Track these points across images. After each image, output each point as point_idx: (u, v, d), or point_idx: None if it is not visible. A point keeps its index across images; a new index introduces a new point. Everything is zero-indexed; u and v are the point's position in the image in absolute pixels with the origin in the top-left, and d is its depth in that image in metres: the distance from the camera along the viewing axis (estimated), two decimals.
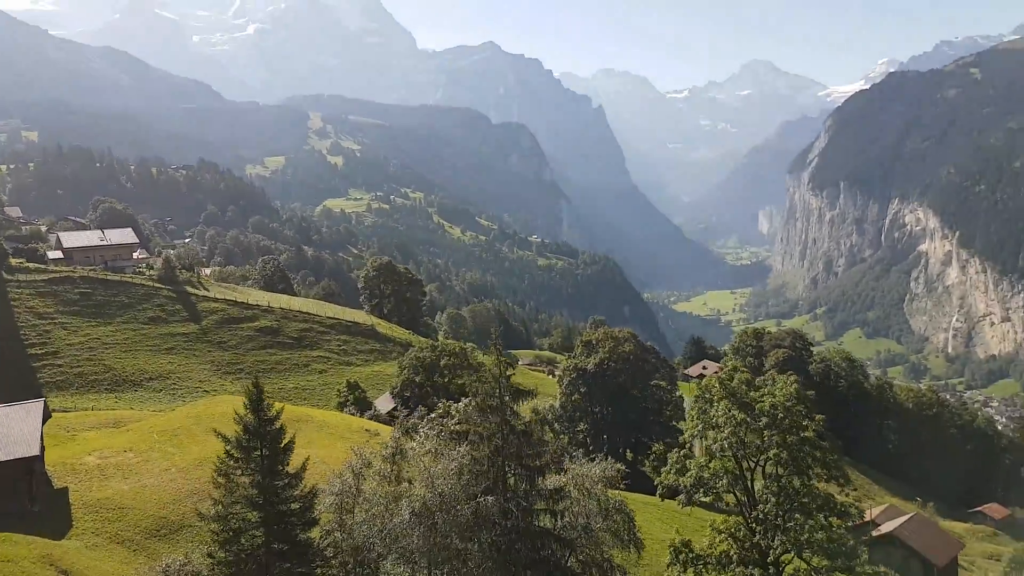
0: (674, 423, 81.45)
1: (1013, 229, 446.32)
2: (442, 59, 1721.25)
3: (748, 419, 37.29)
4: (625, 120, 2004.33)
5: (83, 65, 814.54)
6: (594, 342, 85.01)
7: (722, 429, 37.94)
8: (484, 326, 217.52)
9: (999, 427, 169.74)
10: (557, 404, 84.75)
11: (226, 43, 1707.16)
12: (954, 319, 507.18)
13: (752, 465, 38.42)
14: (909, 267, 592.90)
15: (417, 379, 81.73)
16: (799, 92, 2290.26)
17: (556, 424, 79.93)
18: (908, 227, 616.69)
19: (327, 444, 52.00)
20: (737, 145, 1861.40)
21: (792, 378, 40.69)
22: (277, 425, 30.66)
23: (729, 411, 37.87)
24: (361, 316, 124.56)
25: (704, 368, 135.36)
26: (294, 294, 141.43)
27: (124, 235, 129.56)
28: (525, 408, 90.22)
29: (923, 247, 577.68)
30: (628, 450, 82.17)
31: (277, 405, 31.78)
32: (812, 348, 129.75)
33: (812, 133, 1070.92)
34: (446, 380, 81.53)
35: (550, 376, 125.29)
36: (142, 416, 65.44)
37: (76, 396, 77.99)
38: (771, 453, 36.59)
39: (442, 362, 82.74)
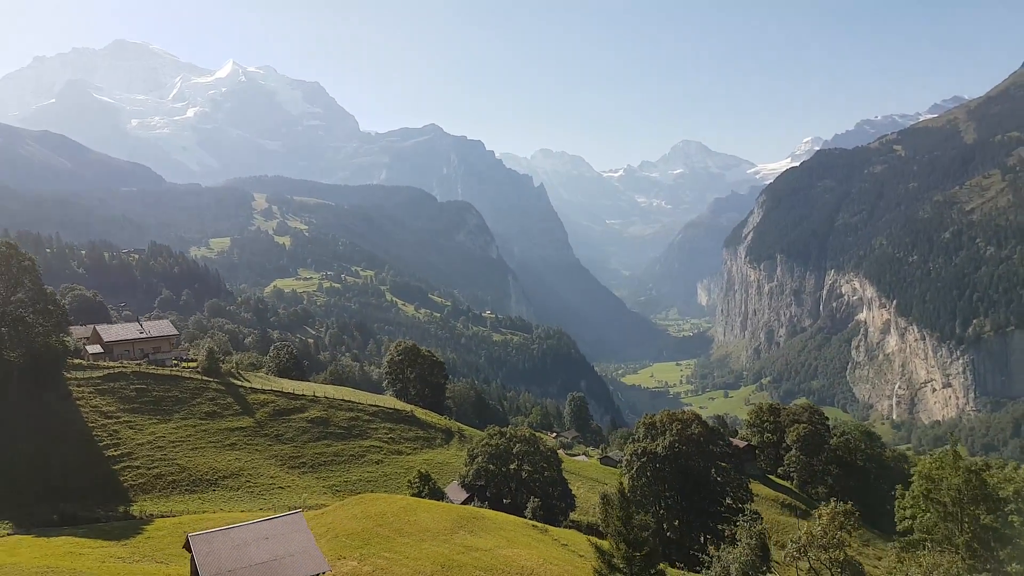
0: (741, 505, 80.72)
1: (948, 297, 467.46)
2: (385, 141, 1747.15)
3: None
4: (564, 198, 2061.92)
5: (20, 149, 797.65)
6: (658, 424, 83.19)
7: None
8: (464, 406, 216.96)
9: None
10: (625, 488, 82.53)
11: (165, 126, 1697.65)
12: (897, 386, 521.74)
13: None
14: (849, 336, 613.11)
15: (491, 467, 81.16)
16: (729, 170, 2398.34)
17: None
18: (845, 297, 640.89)
19: (526, 544, 50.86)
20: (672, 221, 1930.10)
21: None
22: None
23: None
24: (396, 402, 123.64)
25: None
26: (306, 380, 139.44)
27: (162, 327, 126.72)
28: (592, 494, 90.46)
29: (861, 316, 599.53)
30: (704, 535, 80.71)
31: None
32: (828, 422, 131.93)
33: (743, 209, 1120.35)
34: (517, 467, 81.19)
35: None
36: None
37: (160, 499, 74.92)
38: None
39: (515, 449, 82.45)
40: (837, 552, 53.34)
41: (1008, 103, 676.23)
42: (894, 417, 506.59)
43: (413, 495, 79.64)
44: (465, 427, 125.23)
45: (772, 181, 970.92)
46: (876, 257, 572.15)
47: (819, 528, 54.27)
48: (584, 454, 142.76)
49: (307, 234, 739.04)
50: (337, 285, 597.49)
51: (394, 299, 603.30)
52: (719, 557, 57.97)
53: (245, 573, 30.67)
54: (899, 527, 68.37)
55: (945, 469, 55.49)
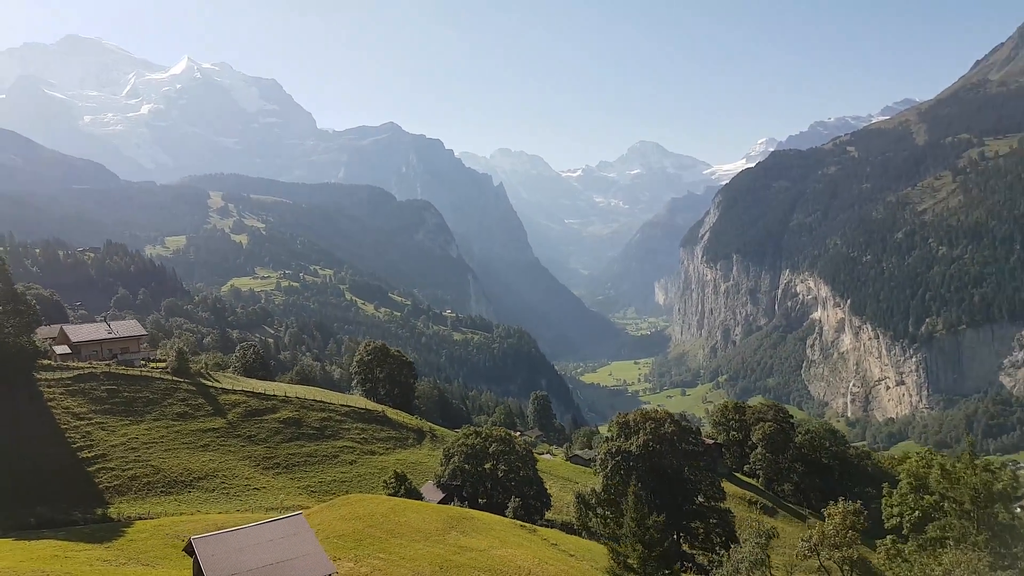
0: (715, 504, 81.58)
1: (901, 296, 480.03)
2: (343, 139, 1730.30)
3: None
4: (523, 197, 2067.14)
5: None
6: (632, 423, 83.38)
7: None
8: (428, 405, 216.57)
9: None
10: (599, 488, 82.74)
11: (119, 123, 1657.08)
12: (851, 384, 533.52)
13: None
14: (804, 334, 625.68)
15: (467, 467, 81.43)
16: (685, 171, 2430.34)
17: (599, 508, 79.79)
18: (800, 296, 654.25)
19: (517, 543, 51.02)
20: (630, 220, 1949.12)
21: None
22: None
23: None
24: (367, 403, 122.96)
25: None
26: (272, 379, 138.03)
27: (131, 327, 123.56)
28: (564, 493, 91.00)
29: (816, 315, 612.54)
30: (679, 534, 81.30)
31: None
32: (792, 420, 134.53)
33: (700, 209, 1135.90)
34: (493, 466, 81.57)
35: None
36: (247, 521, 61.93)
37: (137, 501, 73.47)
38: None
39: (491, 448, 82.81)
40: (849, 551, 54.59)
41: (958, 105, 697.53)
42: (849, 415, 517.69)
43: (389, 495, 79.83)
44: (436, 427, 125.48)
45: (728, 181, 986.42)
46: (830, 257, 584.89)
47: (831, 527, 55.44)
48: (549, 452, 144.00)
49: (264, 232, 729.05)
50: (295, 284, 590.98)
51: (353, 298, 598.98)
52: (728, 556, 58.97)
53: None
54: (887, 524, 70.27)
55: (961, 469, 57.45)
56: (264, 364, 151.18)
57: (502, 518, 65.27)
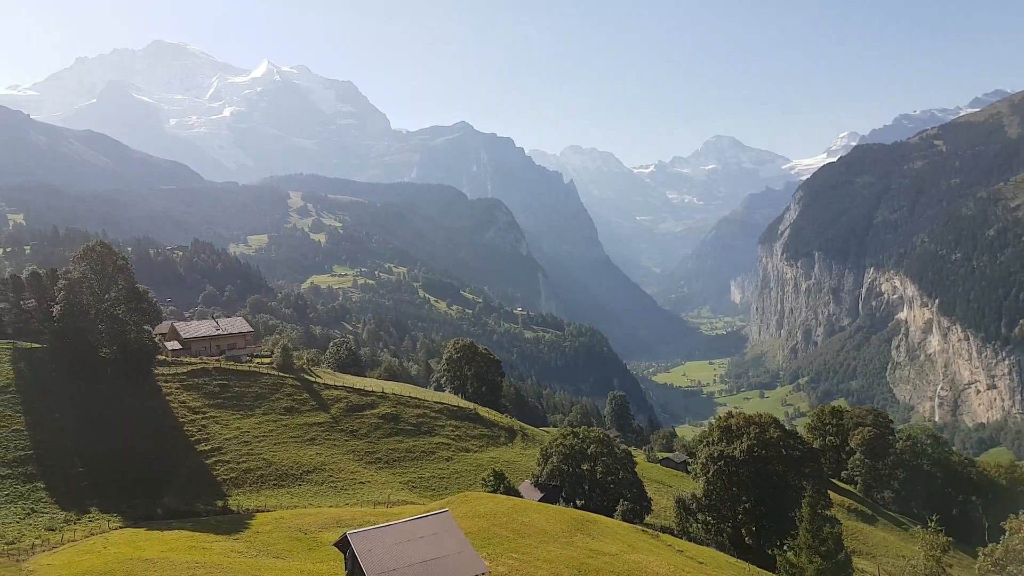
0: (821, 512, 77.32)
1: (993, 296, 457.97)
2: (416, 139, 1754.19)
3: None
4: (594, 194, 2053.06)
5: (64, 148, 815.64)
6: (735, 427, 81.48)
7: None
8: (507, 404, 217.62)
9: None
10: (699, 493, 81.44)
11: (202, 126, 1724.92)
12: (939, 388, 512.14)
13: None
14: (889, 335, 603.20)
15: (565, 467, 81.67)
16: (762, 166, 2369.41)
17: (700, 514, 78.59)
18: (885, 295, 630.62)
19: (647, 549, 50.81)
20: (704, 217, 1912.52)
21: None
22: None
23: None
24: (459, 400, 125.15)
25: None
26: (363, 375, 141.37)
27: (237, 324, 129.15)
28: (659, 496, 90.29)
29: (902, 315, 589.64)
30: (781, 541, 78.79)
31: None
32: (892, 425, 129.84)
33: (778, 205, 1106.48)
34: (591, 467, 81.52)
35: None
36: (363, 515, 64.26)
37: (252, 493, 76.83)
38: None
39: (589, 449, 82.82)
40: None
41: None
42: (936, 419, 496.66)
43: (488, 493, 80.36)
44: (527, 426, 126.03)
45: (809, 177, 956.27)
46: (917, 255, 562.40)
47: (1017, 541, 51.55)
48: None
49: (341, 231, 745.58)
50: (371, 282, 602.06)
51: (427, 296, 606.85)
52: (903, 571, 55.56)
53: (408, 572, 31.14)
54: None
55: None
56: (356, 360, 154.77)
57: (621, 523, 64.81)
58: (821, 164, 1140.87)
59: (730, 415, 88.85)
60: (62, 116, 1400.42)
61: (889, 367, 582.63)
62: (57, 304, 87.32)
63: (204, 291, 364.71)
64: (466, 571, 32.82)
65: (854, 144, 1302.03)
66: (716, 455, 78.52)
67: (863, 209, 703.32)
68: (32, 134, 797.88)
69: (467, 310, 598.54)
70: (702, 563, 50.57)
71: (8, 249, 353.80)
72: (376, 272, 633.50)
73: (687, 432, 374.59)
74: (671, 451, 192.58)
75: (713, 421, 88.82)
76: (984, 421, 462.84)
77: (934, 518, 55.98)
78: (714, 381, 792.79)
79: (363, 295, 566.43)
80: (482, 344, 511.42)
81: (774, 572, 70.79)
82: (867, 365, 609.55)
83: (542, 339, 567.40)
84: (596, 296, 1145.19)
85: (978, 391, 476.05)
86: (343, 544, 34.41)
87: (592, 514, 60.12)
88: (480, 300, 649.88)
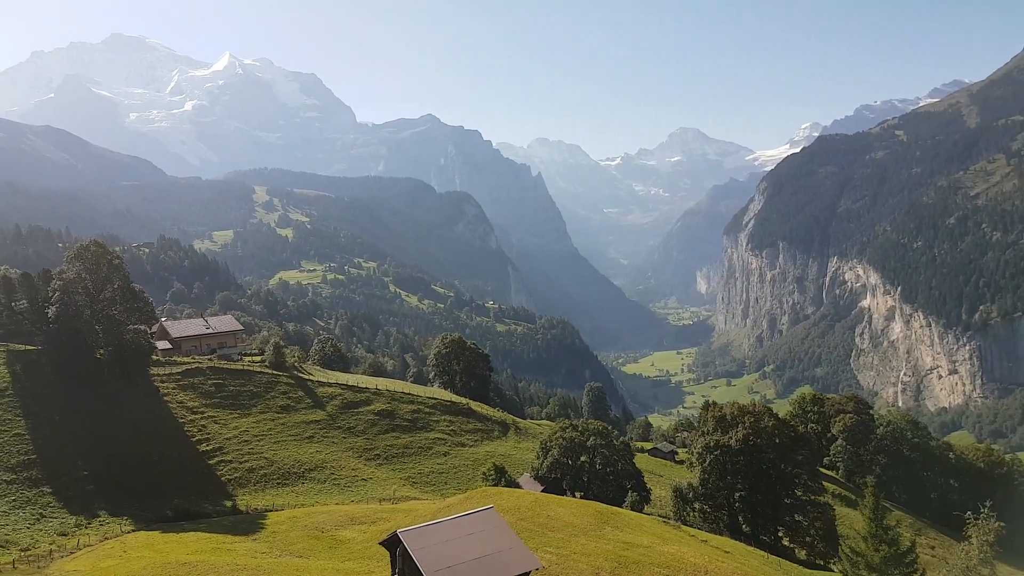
0: (814, 497, 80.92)
1: (954, 283, 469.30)
2: (383, 132, 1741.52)
3: None
4: (561, 187, 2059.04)
5: (22, 144, 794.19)
6: (728, 417, 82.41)
7: None
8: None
9: None
10: (695, 482, 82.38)
11: (164, 120, 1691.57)
12: (902, 373, 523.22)
13: None
14: (853, 323, 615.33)
15: (567, 460, 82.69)
16: (727, 157, 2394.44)
17: (697, 503, 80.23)
18: (849, 284, 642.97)
19: (676, 540, 51.32)
20: (670, 209, 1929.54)
21: None
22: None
23: None
24: (451, 395, 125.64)
25: None
26: (348, 371, 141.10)
27: (227, 322, 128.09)
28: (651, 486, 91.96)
29: (865, 303, 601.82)
30: (776, 527, 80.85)
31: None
32: (872, 412, 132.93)
33: (743, 196, 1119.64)
34: (589, 459, 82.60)
35: None
36: (374, 512, 64.19)
37: (257, 492, 76.50)
38: None
39: (589, 442, 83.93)
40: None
41: (1011, 86, 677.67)
42: (899, 404, 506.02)
43: (489, 487, 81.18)
44: (519, 420, 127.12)
45: (773, 167, 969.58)
46: (880, 243, 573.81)
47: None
48: None
49: (309, 226, 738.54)
50: (341, 277, 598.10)
51: (397, 290, 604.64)
52: (945, 559, 55.73)
53: (464, 569, 31.54)
54: None
55: None
56: (341, 356, 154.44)
57: (642, 515, 66.03)
58: (784, 155, 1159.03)
59: (711, 403, 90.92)
60: (19, 111, 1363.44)
61: (853, 354, 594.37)
62: (52, 305, 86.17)
63: (172, 288, 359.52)
64: (520, 566, 33.01)
65: (816, 135, 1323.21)
66: (712, 444, 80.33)
67: (826, 199, 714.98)
68: None
69: (439, 304, 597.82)
70: (728, 552, 51.89)
71: None
72: (345, 267, 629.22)
73: (658, 421, 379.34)
74: (647, 440, 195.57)
75: (682, 409, 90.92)
76: (946, 406, 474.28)
77: (986, 504, 56.68)
78: (682, 371, 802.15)
79: (333, 290, 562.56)
80: None
81: (774, 557, 73.05)
82: (831, 352, 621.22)
83: (514, 332, 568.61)
84: (565, 288, 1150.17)
85: (940, 376, 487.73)
86: (392, 542, 34.86)
87: (612, 507, 61.16)
88: (451, 294, 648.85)
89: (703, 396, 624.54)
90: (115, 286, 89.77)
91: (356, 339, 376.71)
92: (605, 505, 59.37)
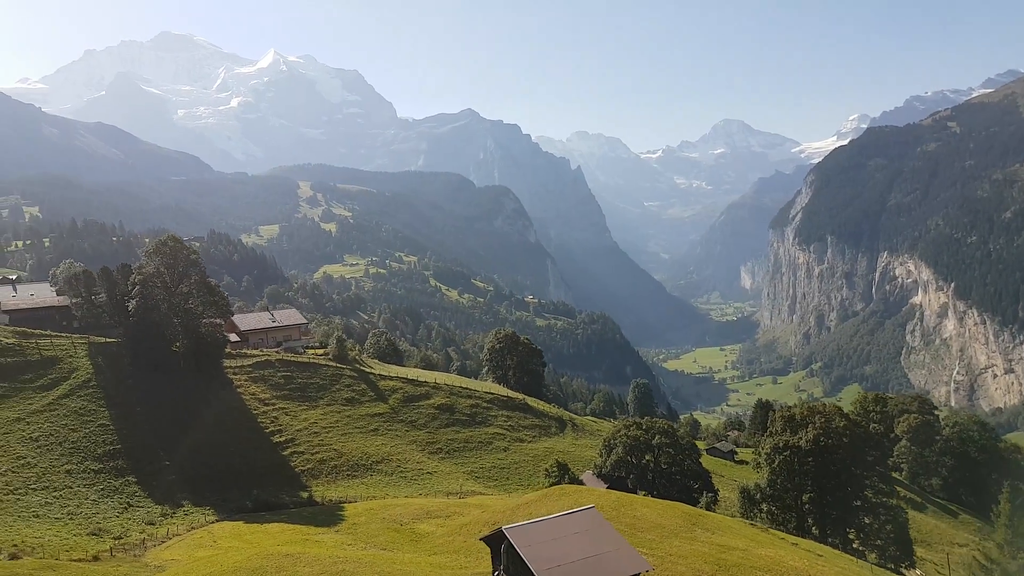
0: (884, 499, 79.40)
1: (1010, 279, 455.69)
2: (423, 127, 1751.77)
3: None
4: (601, 180, 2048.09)
5: (76, 140, 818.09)
6: (798, 418, 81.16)
7: None
8: None
9: None
10: (763, 483, 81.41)
11: (210, 116, 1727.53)
12: (955, 372, 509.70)
13: None
14: (903, 320, 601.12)
15: (631, 459, 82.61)
16: (772, 149, 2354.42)
17: (765, 504, 79.37)
18: (899, 279, 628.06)
19: (769, 543, 50.57)
20: (713, 202, 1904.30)
21: None
22: None
23: None
24: (507, 390, 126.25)
25: None
26: (402, 365, 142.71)
27: (291, 316, 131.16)
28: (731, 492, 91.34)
29: (916, 299, 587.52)
30: (847, 530, 79.53)
31: None
32: (937, 412, 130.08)
33: (788, 189, 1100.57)
34: (653, 458, 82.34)
35: None
36: (446, 506, 65.07)
37: (329, 484, 78.16)
38: None
39: (654, 440, 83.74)
40: None
41: None
42: (952, 404, 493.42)
43: (552, 484, 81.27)
44: (576, 416, 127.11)
45: (820, 160, 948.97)
46: (932, 238, 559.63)
47: None
48: None
49: (351, 220, 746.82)
50: (383, 271, 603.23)
51: (438, 284, 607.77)
52: None
53: (573, 568, 31.42)
54: None
55: None
56: (396, 350, 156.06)
57: (728, 517, 65.54)
58: (831, 147, 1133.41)
59: (763, 402, 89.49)
60: (72, 108, 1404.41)
61: (903, 352, 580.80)
62: (133, 299, 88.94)
63: (222, 282, 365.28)
64: (629, 568, 32.26)
65: (864, 127, 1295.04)
66: (781, 445, 79.21)
67: (876, 192, 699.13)
68: (44, 127, 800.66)
69: (478, 298, 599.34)
70: (820, 555, 51.25)
71: (28, 242, 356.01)
72: (387, 261, 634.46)
73: (702, 419, 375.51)
74: (697, 439, 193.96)
75: (726, 407, 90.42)
76: (1001, 406, 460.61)
77: None
78: (725, 367, 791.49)
79: (375, 284, 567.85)
80: None
81: (865, 562, 71.57)
82: (881, 350, 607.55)
83: (554, 327, 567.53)
84: (605, 283, 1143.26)
85: (995, 375, 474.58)
86: (496, 538, 35.07)
87: (697, 508, 60.68)
88: (491, 288, 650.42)
89: (748, 394, 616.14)
90: (192, 280, 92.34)
91: (399, 333, 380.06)
92: (689, 506, 58.83)
